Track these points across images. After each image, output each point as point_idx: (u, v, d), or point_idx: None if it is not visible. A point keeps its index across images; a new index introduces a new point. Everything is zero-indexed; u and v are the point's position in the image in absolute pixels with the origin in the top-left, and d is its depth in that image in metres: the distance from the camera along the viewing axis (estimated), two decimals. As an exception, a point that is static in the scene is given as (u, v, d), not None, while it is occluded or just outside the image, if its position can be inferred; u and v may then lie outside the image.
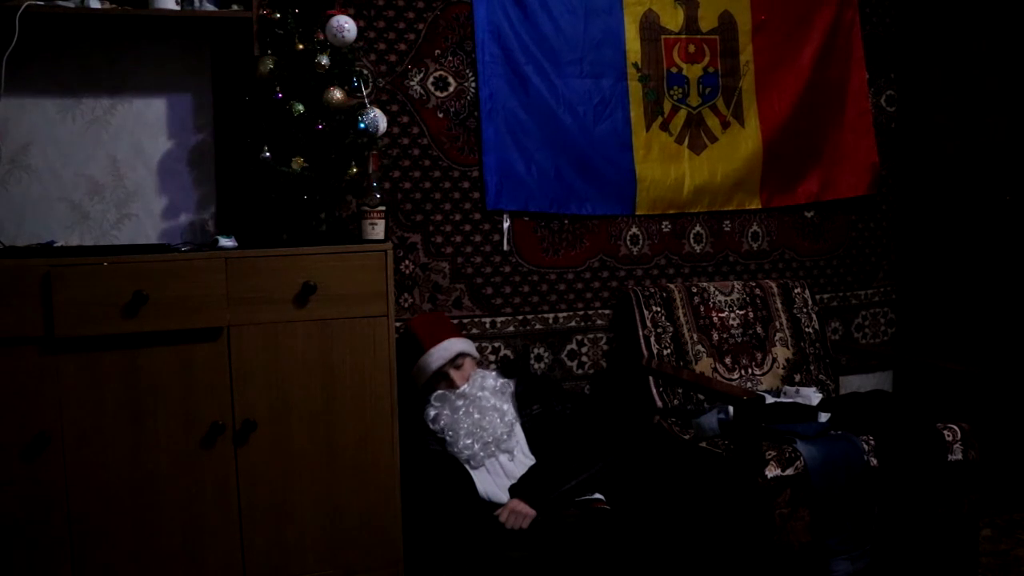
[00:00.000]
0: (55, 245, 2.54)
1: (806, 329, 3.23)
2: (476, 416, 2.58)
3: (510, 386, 2.72)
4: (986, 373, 2.90)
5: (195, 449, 2.35)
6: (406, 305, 3.03)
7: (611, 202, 3.24)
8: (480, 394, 2.62)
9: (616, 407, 3.13)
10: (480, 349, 3.03)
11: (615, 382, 3.24)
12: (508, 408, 2.64)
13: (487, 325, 3.11)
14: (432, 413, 2.63)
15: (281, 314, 2.40)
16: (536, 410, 2.71)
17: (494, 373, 2.73)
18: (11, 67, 2.48)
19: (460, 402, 2.61)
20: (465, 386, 2.64)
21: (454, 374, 2.66)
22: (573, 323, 3.24)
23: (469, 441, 2.56)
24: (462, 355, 2.70)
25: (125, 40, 2.72)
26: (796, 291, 3.29)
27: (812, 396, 2.91)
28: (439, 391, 2.66)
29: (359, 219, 2.63)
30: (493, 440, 2.57)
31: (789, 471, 2.47)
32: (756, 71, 3.40)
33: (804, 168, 3.48)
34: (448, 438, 2.57)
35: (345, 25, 2.60)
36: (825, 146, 3.50)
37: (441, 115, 3.06)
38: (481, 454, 2.56)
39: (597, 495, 2.58)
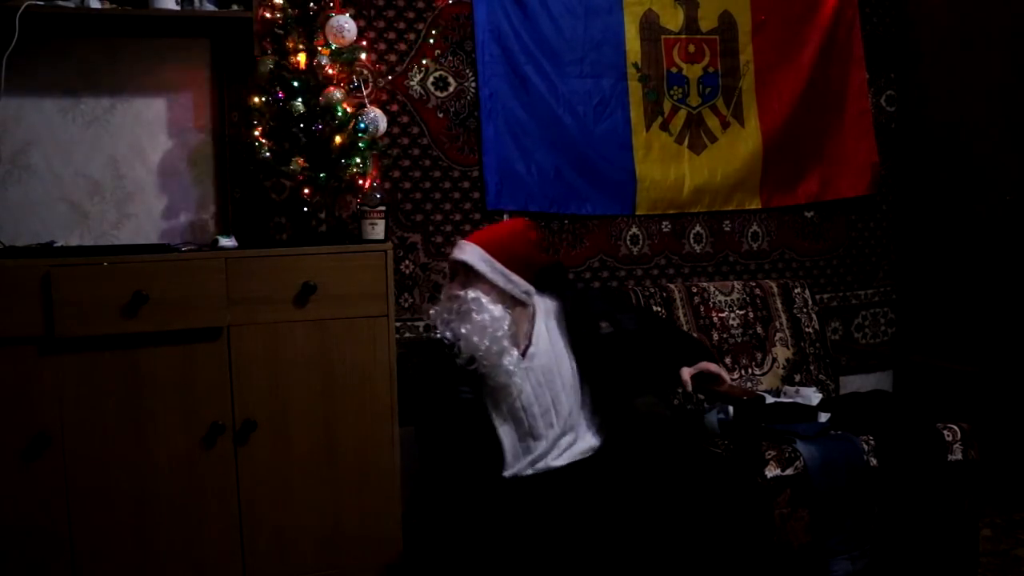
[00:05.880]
0: (55, 245, 2.53)
1: (806, 329, 3.22)
2: (479, 318, 2.34)
3: (553, 306, 2.53)
4: (986, 373, 2.90)
5: (195, 449, 2.35)
6: (406, 305, 3.03)
7: (611, 202, 3.24)
8: (477, 316, 2.34)
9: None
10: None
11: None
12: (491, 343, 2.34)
13: (487, 325, 3.10)
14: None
15: (281, 314, 2.40)
16: (606, 329, 2.53)
17: (499, 309, 2.37)
18: (11, 67, 2.48)
19: (454, 303, 2.41)
20: (462, 292, 2.40)
21: (459, 281, 2.42)
22: (573, 323, 3.23)
23: (476, 339, 2.31)
24: (472, 270, 2.39)
25: (125, 40, 2.72)
26: (796, 291, 3.28)
27: (812, 396, 2.90)
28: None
29: (359, 219, 2.64)
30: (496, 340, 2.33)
31: (789, 471, 2.47)
32: (756, 71, 3.40)
33: (804, 168, 3.48)
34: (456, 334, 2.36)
35: (345, 25, 2.61)
36: (825, 146, 3.50)
37: (441, 115, 3.06)
38: (495, 351, 2.31)
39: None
